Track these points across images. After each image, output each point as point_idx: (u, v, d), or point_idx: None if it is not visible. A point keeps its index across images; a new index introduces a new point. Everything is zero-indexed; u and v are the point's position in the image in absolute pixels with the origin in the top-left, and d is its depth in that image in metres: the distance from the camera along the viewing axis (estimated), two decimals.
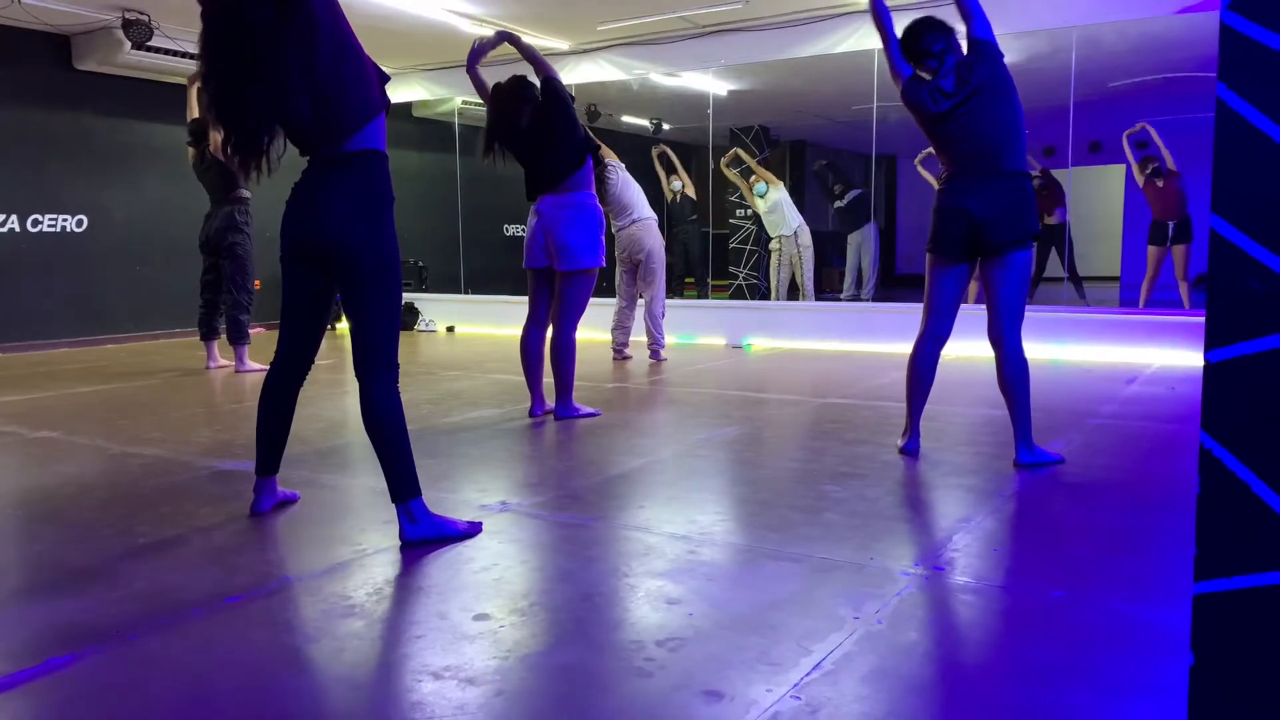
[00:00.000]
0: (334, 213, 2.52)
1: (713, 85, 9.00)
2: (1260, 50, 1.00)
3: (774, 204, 8.98)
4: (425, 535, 2.56)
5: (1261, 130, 1.01)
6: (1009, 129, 3.34)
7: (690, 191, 9.63)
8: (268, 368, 2.83)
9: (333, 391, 5.26)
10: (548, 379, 4.51)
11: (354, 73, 2.53)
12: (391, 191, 2.62)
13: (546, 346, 4.47)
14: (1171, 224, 8.19)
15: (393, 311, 2.60)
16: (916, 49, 3.40)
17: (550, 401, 4.58)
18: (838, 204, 10.12)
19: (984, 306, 3.46)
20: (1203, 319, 1.07)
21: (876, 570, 2.33)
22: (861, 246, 9.97)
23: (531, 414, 4.49)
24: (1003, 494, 3.05)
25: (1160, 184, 8.16)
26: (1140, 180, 8.37)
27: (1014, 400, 3.38)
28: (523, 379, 4.62)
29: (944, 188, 3.41)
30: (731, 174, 9.29)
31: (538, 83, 4.29)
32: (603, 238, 4.39)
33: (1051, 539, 2.65)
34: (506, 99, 4.27)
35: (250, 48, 2.36)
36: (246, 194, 6.03)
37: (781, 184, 9.24)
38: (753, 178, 9.17)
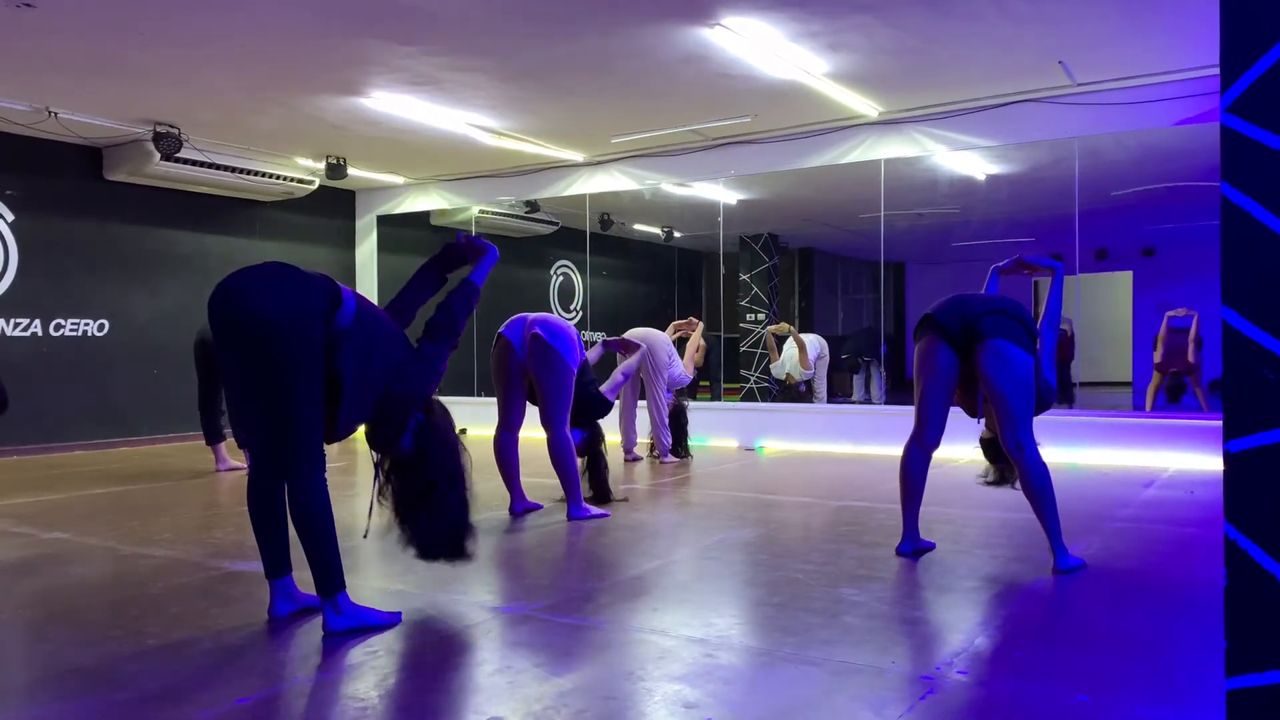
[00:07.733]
0: (253, 287, 2.59)
1: (723, 194, 9.21)
2: (1259, 149, 1.04)
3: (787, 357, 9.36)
4: (349, 625, 2.66)
5: (1266, 225, 1.04)
6: None
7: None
8: None
9: (342, 494, 5.24)
10: (527, 478, 4.65)
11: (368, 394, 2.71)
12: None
13: (520, 448, 4.76)
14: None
15: (294, 391, 2.56)
16: None
17: (530, 498, 4.79)
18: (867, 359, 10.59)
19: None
20: (1219, 422, 1.09)
21: (897, 674, 2.28)
22: (872, 365, 10.60)
23: (512, 511, 4.66)
24: (1022, 597, 3.00)
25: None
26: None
27: (1040, 507, 3.33)
28: (536, 480, 4.68)
29: None
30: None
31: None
32: (578, 352, 4.62)
33: (1074, 643, 2.60)
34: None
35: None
36: None
37: (790, 343, 9.50)
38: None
